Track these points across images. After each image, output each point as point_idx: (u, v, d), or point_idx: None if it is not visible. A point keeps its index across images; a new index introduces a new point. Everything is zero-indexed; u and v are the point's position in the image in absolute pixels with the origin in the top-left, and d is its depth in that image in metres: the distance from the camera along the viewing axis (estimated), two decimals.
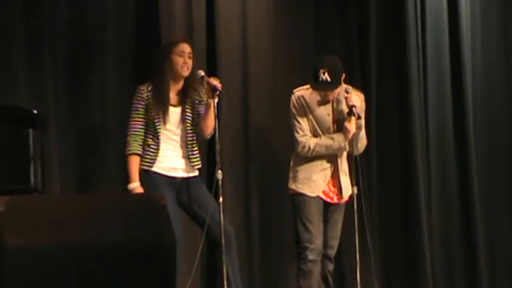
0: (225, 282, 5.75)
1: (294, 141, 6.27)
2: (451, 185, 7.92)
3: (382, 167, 7.57)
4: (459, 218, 7.90)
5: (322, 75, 6.06)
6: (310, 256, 6.14)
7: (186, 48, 6.09)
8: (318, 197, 6.24)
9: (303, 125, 6.22)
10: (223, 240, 5.80)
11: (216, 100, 5.95)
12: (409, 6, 7.80)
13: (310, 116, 6.24)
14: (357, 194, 6.16)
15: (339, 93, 6.20)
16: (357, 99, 6.23)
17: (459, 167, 7.95)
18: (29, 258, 3.95)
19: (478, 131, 8.03)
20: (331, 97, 6.18)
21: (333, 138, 6.19)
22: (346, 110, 6.17)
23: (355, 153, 6.20)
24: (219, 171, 5.89)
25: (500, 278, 8.01)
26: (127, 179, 6.00)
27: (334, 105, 6.25)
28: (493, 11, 8.31)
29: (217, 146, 5.98)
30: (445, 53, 8.01)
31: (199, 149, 6.17)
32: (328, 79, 6.06)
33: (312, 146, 6.18)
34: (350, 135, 6.14)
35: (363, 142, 6.33)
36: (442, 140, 7.92)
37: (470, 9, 8.12)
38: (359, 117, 6.15)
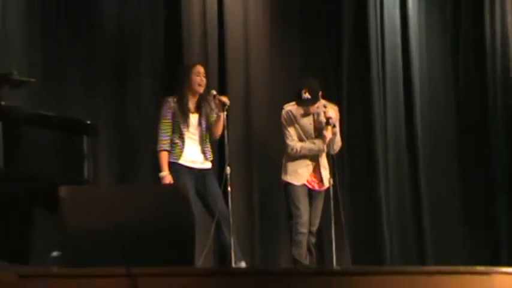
0: (232, 251, 5.81)
1: (285, 145, 6.35)
2: (403, 174, 7.86)
3: (352, 163, 7.54)
4: (410, 199, 7.85)
5: (304, 94, 6.20)
6: (300, 229, 6.21)
7: (201, 69, 6.16)
8: (304, 185, 6.31)
9: (292, 132, 6.32)
10: (231, 220, 5.90)
11: (225, 113, 6.04)
12: (372, 40, 7.76)
13: (297, 126, 6.33)
14: (333, 184, 6.24)
15: (318, 107, 6.28)
16: (333, 112, 6.32)
17: (410, 161, 7.91)
18: (83, 234, 3.95)
19: (424, 134, 7.99)
20: (312, 110, 6.28)
21: (314, 143, 6.31)
22: (324, 120, 6.25)
23: (332, 152, 6.32)
24: (228, 168, 6.00)
25: (444, 238, 7.91)
26: (158, 172, 6.04)
27: (315, 117, 6.33)
28: (436, 43, 8.22)
29: (226, 149, 6.06)
30: (399, 71, 7.94)
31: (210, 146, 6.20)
32: (309, 97, 6.20)
33: (298, 149, 6.29)
34: (327, 141, 6.25)
35: (338, 144, 6.41)
36: (397, 140, 7.85)
37: (419, 42, 8.04)
38: (334, 126, 6.25)
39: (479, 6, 8.44)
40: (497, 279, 4.30)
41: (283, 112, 6.38)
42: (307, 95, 6.23)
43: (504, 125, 8.39)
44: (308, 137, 6.35)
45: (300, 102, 6.27)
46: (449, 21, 8.35)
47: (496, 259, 7.85)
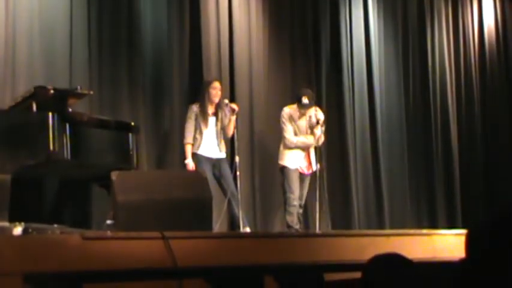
0: (240, 221, 5.82)
1: (283, 138, 6.28)
2: (367, 163, 7.84)
3: (331, 152, 7.52)
4: (372, 180, 7.83)
5: (304, 100, 6.19)
6: (293, 202, 6.17)
7: (217, 85, 6.17)
8: (296, 169, 6.26)
9: (289, 128, 6.25)
10: (239, 197, 5.92)
11: (235, 117, 6.09)
12: (344, 63, 7.77)
13: (294, 124, 6.27)
14: (318, 168, 6.27)
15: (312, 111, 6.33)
16: (322, 115, 6.33)
17: (372, 152, 7.89)
18: (130, 207, 3.97)
19: (383, 130, 8.01)
20: (307, 112, 6.28)
21: (307, 138, 6.27)
22: (315, 121, 6.26)
23: (317, 145, 6.30)
24: (237, 157, 6.02)
25: (397, 208, 7.94)
26: (184, 160, 6.05)
27: (307, 118, 6.32)
28: (392, 68, 8.27)
29: (236, 143, 6.11)
30: (364, 87, 7.96)
31: (226, 142, 6.20)
32: (307, 102, 6.20)
33: (295, 142, 6.24)
34: (317, 137, 6.23)
35: (322, 139, 6.37)
36: (362, 136, 7.85)
37: (379, 67, 8.06)
38: (322, 125, 6.23)
39: (423, 43, 8.52)
40: (436, 238, 4.34)
41: (283, 113, 6.31)
42: (306, 101, 6.21)
43: (440, 124, 8.48)
44: (302, 133, 6.29)
45: (301, 105, 6.22)
46: (401, 52, 8.36)
47: (434, 223, 7.97)
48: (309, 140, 6.27)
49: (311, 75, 7.65)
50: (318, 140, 6.24)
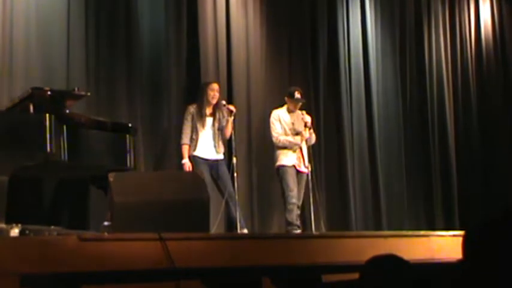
0: (238, 222, 5.83)
1: (271, 136, 6.33)
2: (365, 163, 7.86)
3: (328, 153, 7.54)
4: (370, 181, 7.84)
5: (297, 94, 6.36)
6: (292, 200, 6.14)
7: (215, 86, 6.17)
8: (293, 166, 6.26)
9: (278, 127, 6.33)
10: (236, 197, 5.93)
11: (232, 118, 6.09)
12: (341, 64, 7.80)
13: (282, 123, 6.35)
14: (310, 169, 6.31)
15: (300, 112, 6.40)
16: (308, 118, 6.40)
17: (369, 153, 7.89)
18: (127, 208, 3.97)
19: (380, 132, 8.03)
20: (297, 107, 6.39)
21: (294, 138, 6.31)
22: (303, 124, 6.33)
23: (309, 144, 6.39)
24: (234, 158, 6.02)
25: (394, 210, 7.96)
26: (181, 160, 6.03)
27: (294, 119, 6.37)
28: (389, 68, 8.27)
29: (234, 144, 6.09)
30: (361, 87, 7.96)
31: (224, 144, 6.18)
32: (300, 96, 6.36)
33: (281, 140, 6.28)
34: (304, 138, 6.30)
35: (313, 139, 6.44)
36: (360, 140, 7.86)
37: (376, 63, 8.07)
38: (310, 128, 6.35)
39: (420, 43, 8.54)
40: (434, 240, 4.34)
41: (272, 114, 6.44)
42: (298, 95, 6.37)
43: (437, 124, 8.51)
44: (290, 133, 6.34)
45: (294, 100, 6.37)
46: (399, 52, 8.37)
47: (432, 225, 7.99)
48: (296, 140, 6.32)
49: (308, 76, 7.65)
50: (306, 141, 6.33)
